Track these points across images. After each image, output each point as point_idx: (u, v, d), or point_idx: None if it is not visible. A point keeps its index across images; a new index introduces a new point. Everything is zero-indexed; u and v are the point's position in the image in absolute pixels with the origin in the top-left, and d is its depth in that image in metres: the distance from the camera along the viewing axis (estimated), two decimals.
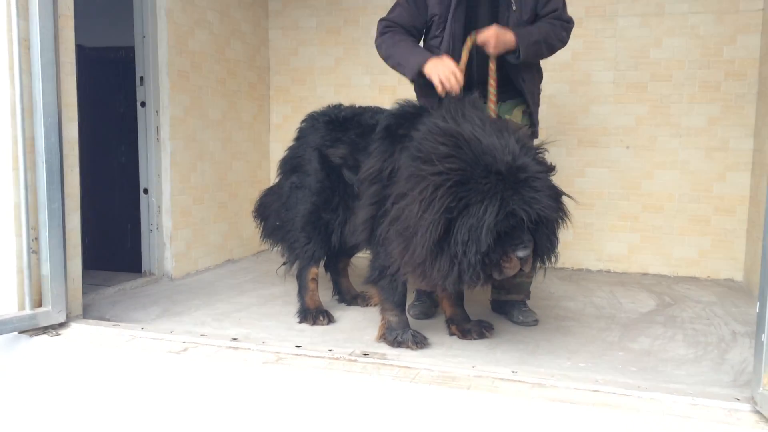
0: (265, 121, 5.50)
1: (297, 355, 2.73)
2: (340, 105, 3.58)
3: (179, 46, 4.37)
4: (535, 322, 3.34)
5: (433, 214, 2.39)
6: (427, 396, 2.39)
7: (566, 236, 4.80)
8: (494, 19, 3.14)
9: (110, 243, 6.06)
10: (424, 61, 3.04)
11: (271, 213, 3.82)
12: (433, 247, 2.41)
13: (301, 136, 3.57)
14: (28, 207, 2.94)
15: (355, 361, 2.65)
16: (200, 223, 4.68)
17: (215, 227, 4.86)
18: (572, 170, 4.81)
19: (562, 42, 3.25)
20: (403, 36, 3.23)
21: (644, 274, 4.68)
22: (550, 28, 3.16)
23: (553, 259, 2.66)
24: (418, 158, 2.57)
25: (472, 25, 3.15)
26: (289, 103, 5.44)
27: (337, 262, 3.73)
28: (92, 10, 5.50)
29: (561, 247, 4.74)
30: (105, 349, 2.84)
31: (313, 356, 2.71)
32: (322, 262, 3.71)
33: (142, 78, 4.30)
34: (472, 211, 2.35)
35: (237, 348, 2.82)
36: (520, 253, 2.42)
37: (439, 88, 3.00)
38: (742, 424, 2.09)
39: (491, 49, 3.03)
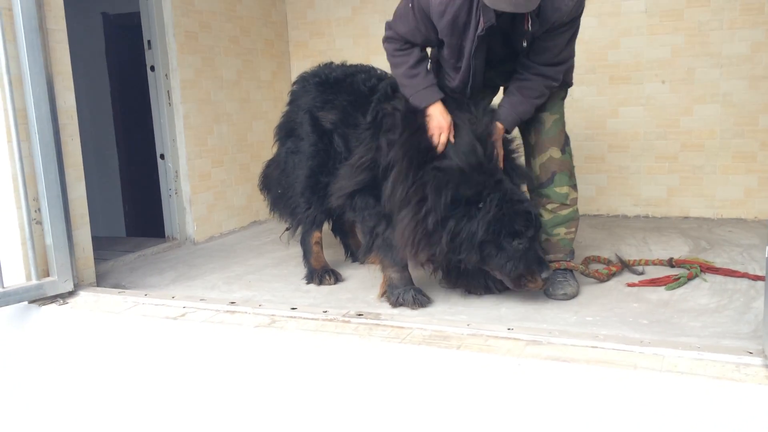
0: (285, 78, 5.38)
1: (291, 317, 2.67)
2: (332, 64, 3.44)
3: (185, 6, 4.28)
4: (565, 296, 2.84)
5: None
6: (416, 357, 2.28)
7: (600, 181, 4.59)
8: (511, 51, 2.84)
9: (146, 210, 6.16)
10: (429, 105, 2.81)
11: (273, 183, 3.73)
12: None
13: (294, 99, 3.47)
14: (25, 178, 2.94)
15: (348, 322, 2.56)
16: (221, 185, 4.65)
17: (238, 189, 4.83)
18: (604, 110, 4.52)
19: (551, 88, 2.88)
20: (414, 62, 2.85)
21: (685, 217, 4.39)
22: (534, 92, 2.85)
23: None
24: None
25: (490, 60, 2.86)
26: (308, 58, 5.28)
27: (342, 222, 3.63)
28: None
29: (595, 193, 4.56)
30: (105, 317, 2.86)
31: (306, 318, 2.64)
32: (328, 225, 3.62)
33: (149, 42, 4.25)
34: None
35: (234, 312, 2.78)
36: None
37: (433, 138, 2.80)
38: (750, 379, 1.89)
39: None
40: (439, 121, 2.78)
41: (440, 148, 2.77)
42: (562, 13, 2.62)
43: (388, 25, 2.91)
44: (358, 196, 2.92)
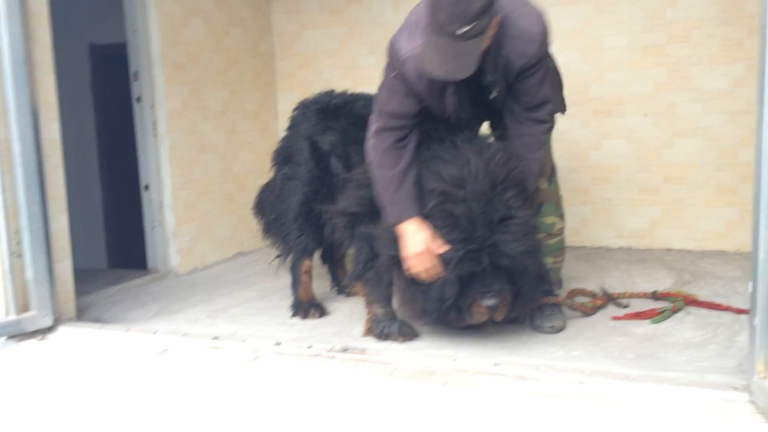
0: (272, 109, 5.40)
1: (275, 353, 2.64)
2: (332, 92, 3.46)
3: (173, 37, 4.29)
4: (552, 329, 2.83)
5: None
6: (403, 393, 2.27)
7: (584, 213, 4.62)
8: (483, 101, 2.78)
9: (128, 241, 6.10)
10: (399, 222, 2.64)
11: (267, 208, 3.71)
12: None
13: (293, 125, 3.47)
14: (7, 211, 2.92)
15: (333, 357, 2.54)
16: (206, 216, 4.62)
17: (223, 220, 4.80)
18: (587, 143, 4.57)
19: (548, 132, 2.88)
20: (406, 166, 2.66)
21: (668, 249, 4.42)
22: (532, 142, 2.79)
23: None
24: None
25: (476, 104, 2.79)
26: (295, 89, 5.30)
27: (332, 252, 3.61)
28: (105, 8, 5.50)
29: (579, 225, 4.58)
30: (85, 353, 2.81)
31: (291, 354, 2.61)
32: (318, 253, 3.60)
33: (136, 73, 4.25)
34: None
35: (217, 348, 2.74)
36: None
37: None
38: (736, 416, 1.90)
39: None
40: (415, 243, 2.57)
41: (425, 277, 2.58)
42: (528, 57, 2.59)
43: (376, 116, 2.73)
44: (359, 225, 2.89)
